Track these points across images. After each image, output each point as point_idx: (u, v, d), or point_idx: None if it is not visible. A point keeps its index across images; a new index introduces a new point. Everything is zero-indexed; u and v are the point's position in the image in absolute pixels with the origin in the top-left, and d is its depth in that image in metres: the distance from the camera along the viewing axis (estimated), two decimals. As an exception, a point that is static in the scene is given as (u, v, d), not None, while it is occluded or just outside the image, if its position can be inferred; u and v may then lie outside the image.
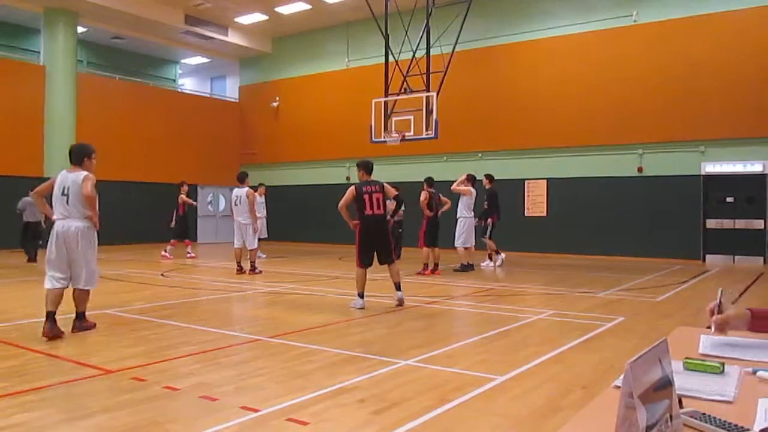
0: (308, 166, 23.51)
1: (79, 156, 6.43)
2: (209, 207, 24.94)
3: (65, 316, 6.44)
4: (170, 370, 4.92)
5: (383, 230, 8.25)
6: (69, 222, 6.19)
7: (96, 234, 6.40)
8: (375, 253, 8.21)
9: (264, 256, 15.62)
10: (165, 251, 15.94)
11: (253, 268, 12.38)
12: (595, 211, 17.17)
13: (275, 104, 24.38)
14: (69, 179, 6.25)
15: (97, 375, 4.75)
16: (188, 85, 29.16)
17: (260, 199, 15.61)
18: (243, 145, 25.57)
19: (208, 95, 27.49)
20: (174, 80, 27.64)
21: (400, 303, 8.11)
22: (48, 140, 19.66)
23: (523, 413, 3.92)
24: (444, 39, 15.39)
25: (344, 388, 4.38)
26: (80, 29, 20.85)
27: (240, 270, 12.35)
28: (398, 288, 8.23)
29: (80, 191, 6.17)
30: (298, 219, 22.78)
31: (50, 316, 6.03)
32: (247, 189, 12.45)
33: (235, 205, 12.50)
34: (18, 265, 13.97)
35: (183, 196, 16.10)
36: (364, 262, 8.15)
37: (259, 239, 13.62)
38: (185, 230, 16.42)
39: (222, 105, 26.22)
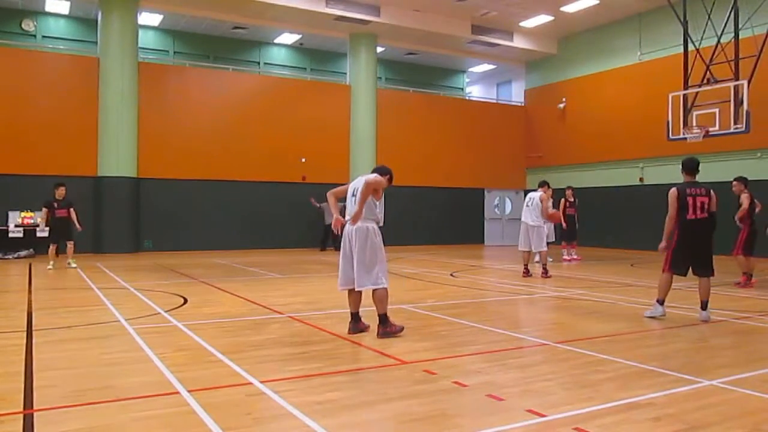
0: (597, 168, 22.57)
1: (378, 169, 6.39)
2: (496, 210, 25.42)
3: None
4: (459, 366, 5.11)
5: (707, 237, 7.47)
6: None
7: (376, 237, 6.18)
8: (690, 263, 7.45)
9: (551, 260, 15.38)
10: (566, 254, 16.70)
11: (544, 271, 12.32)
12: None
13: (562, 105, 23.90)
14: (360, 182, 6.24)
15: (394, 364, 5.15)
16: (475, 92, 30.14)
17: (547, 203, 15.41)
18: (529, 148, 25.55)
19: (494, 101, 28.06)
20: (462, 89, 28.79)
21: (705, 323, 7.26)
22: (353, 151, 22.07)
23: None
24: (756, 18, 13.58)
25: (637, 403, 4.10)
26: (379, 49, 22.93)
27: (527, 273, 12.37)
28: (704, 307, 7.35)
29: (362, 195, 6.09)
30: (584, 222, 21.98)
31: (353, 316, 6.44)
32: (541, 193, 12.63)
33: (527, 206, 12.65)
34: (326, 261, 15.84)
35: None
36: (674, 268, 7.45)
37: (548, 243, 13.51)
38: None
39: (508, 110, 26.57)
